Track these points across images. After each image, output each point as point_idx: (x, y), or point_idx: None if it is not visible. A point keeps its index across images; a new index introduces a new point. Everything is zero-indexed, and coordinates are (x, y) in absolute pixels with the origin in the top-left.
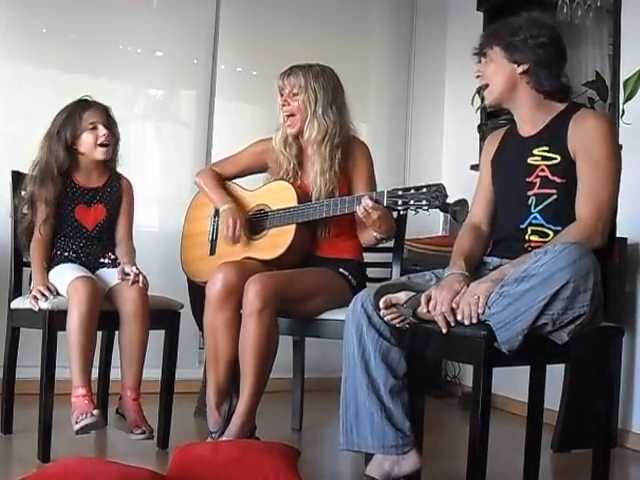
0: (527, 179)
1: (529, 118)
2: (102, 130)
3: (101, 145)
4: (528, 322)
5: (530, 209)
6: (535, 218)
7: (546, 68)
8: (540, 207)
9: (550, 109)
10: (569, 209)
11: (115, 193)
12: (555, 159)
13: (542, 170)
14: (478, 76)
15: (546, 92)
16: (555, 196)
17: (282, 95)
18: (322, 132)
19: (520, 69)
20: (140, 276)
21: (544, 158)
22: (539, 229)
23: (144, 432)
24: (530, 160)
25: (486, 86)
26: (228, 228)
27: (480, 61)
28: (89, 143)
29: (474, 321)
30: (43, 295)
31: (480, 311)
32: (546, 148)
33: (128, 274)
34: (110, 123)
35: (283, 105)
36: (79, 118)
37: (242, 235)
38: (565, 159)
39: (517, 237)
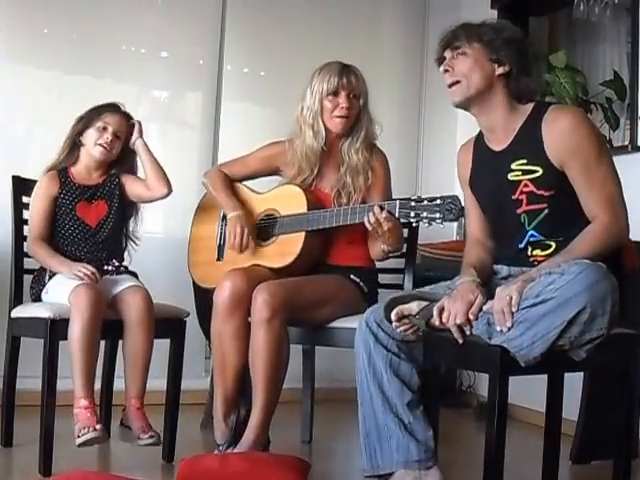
0: (512, 197)
1: (500, 125)
2: (108, 134)
3: (100, 145)
4: (546, 346)
5: (525, 227)
6: (532, 236)
7: (525, 74)
8: (534, 224)
9: (518, 114)
10: (564, 220)
11: (114, 189)
12: (537, 172)
13: (526, 185)
14: (446, 70)
15: (522, 98)
16: (546, 210)
17: (337, 93)
18: (368, 139)
19: (500, 70)
20: None
21: (525, 172)
22: (540, 244)
23: (152, 436)
24: (510, 176)
25: (457, 82)
26: (235, 236)
27: (444, 57)
28: (92, 139)
29: (509, 325)
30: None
31: (514, 309)
32: (524, 161)
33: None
34: (125, 135)
35: (348, 109)
36: (97, 115)
37: (249, 243)
38: (548, 170)
39: (519, 257)
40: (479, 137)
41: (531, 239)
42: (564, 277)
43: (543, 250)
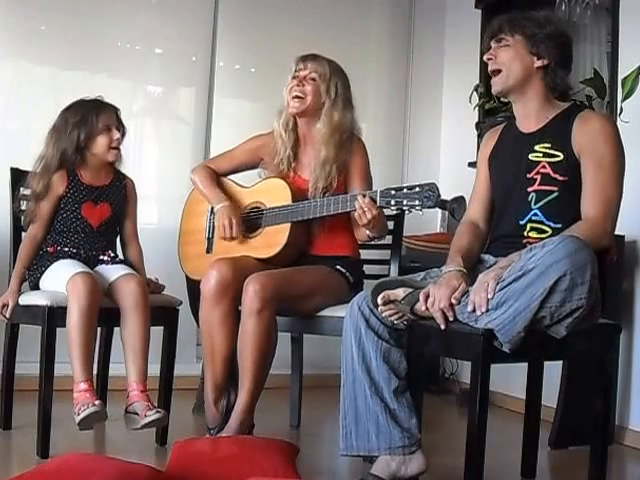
0: (527, 175)
1: (534, 113)
2: (116, 134)
3: (114, 148)
4: (528, 319)
5: (530, 205)
6: (535, 214)
7: (563, 68)
8: (540, 204)
9: (554, 107)
10: (569, 207)
11: (120, 192)
12: (558, 156)
13: (543, 167)
14: (489, 59)
15: (557, 91)
16: (556, 193)
17: (296, 76)
18: (338, 125)
19: (539, 63)
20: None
21: (546, 155)
22: (538, 226)
23: (159, 412)
24: (531, 156)
25: (498, 71)
26: (225, 228)
27: (490, 46)
28: (103, 145)
29: (483, 309)
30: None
31: (490, 296)
32: (548, 145)
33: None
34: (119, 125)
35: (297, 85)
36: (95, 120)
37: (239, 233)
38: (568, 157)
39: (516, 234)
40: (508, 124)
41: (533, 217)
42: (545, 248)
43: (539, 234)
